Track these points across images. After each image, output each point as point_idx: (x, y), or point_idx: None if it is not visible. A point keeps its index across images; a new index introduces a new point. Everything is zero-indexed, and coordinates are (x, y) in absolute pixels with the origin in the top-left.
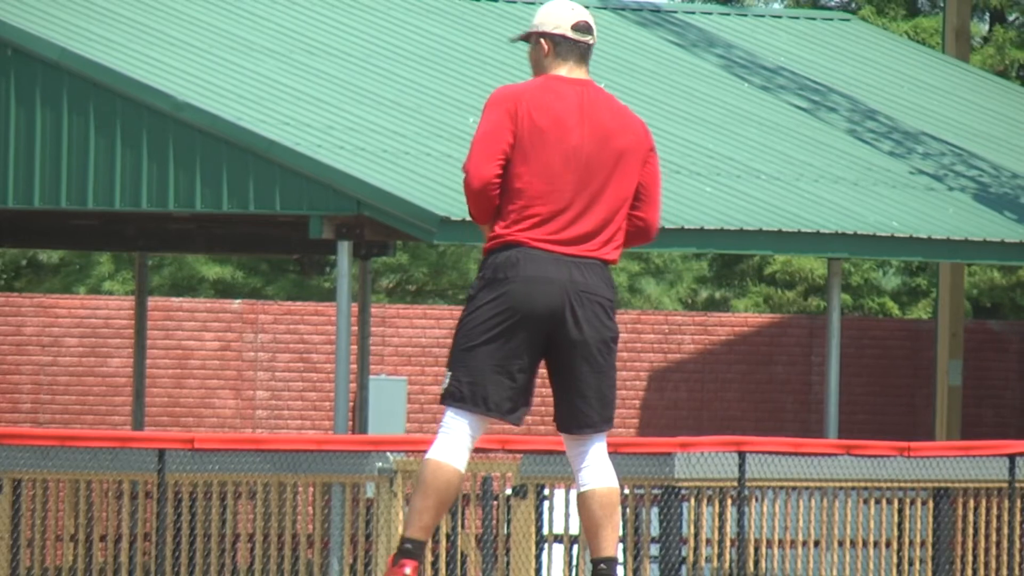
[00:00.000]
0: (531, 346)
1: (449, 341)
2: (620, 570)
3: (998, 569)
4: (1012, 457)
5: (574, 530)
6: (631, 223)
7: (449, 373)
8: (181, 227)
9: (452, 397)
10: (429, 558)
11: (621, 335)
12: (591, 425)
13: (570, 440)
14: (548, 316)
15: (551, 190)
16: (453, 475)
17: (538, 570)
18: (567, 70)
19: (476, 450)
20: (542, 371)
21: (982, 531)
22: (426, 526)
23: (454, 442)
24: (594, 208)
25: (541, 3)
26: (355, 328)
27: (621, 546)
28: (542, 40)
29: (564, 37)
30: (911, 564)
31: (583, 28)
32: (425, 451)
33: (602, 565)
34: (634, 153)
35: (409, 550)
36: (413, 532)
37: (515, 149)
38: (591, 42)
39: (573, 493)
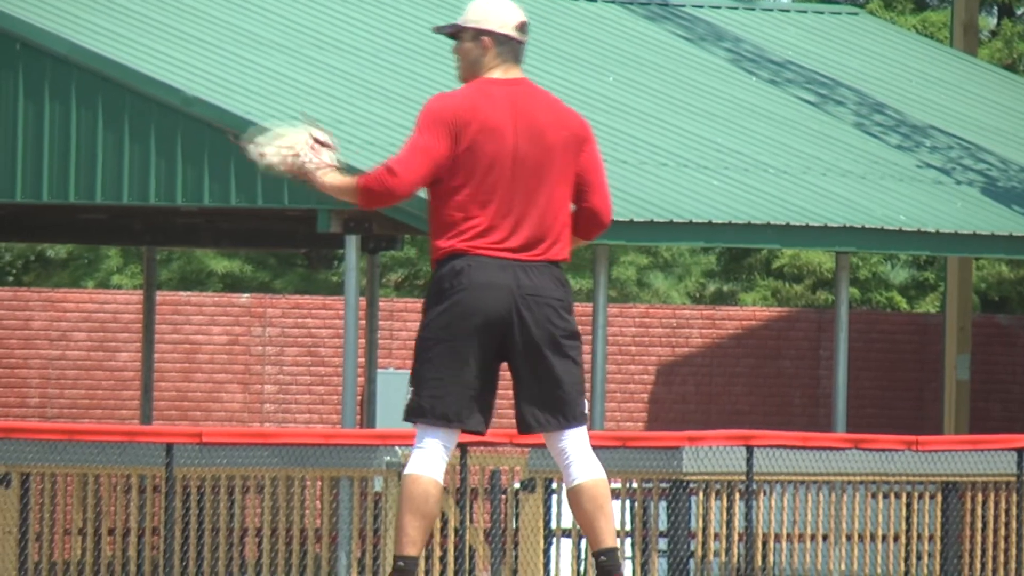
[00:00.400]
0: (485, 353)
1: None
2: (628, 565)
3: (1006, 563)
4: (1020, 451)
5: None
6: (582, 214)
7: (410, 388)
8: (189, 221)
9: (414, 412)
10: (437, 552)
11: (629, 329)
12: (548, 424)
13: (550, 439)
14: (498, 321)
15: (491, 198)
16: (431, 486)
17: (547, 564)
18: (503, 71)
19: (484, 444)
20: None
21: (991, 525)
22: (415, 541)
23: (427, 455)
24: (536, 209)
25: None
26: (363, 322)
27: (629, 540)
28: (484, 38)
29: (508, 37)
30: (919, 558)
31: (525, 28)
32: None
33: (603, 557)
34: (569, 146)
35: (402, 568)
36: (403, 549)
37: (453, 160)
38: (525, 42)
39: None
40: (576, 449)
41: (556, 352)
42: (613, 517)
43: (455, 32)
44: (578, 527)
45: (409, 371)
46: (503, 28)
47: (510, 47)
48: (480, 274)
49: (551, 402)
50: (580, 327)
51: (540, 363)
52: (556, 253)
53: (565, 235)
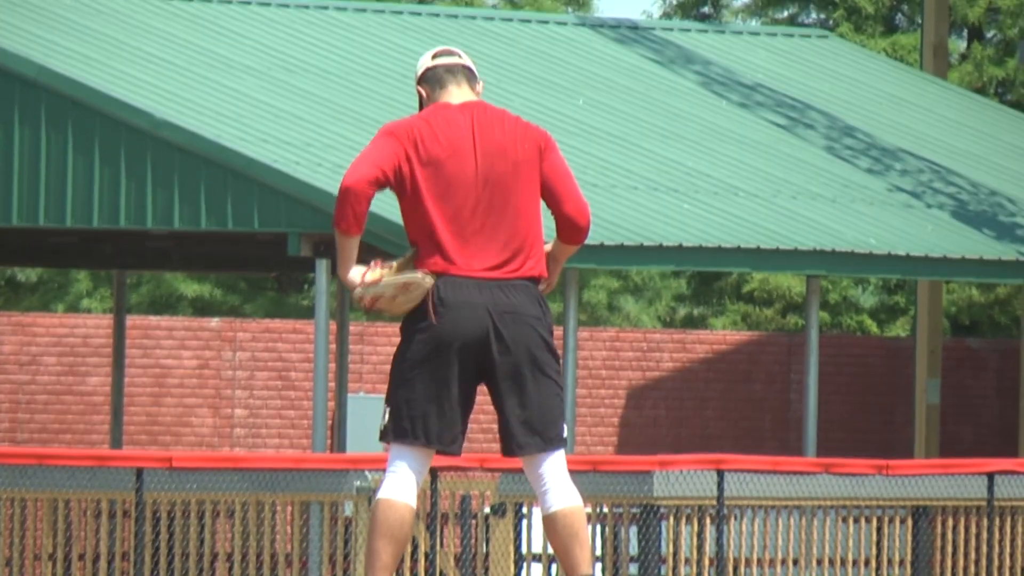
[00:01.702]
0: (463, 374)
1: None
2: None
3: None
4: (991, 475)
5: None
6: (559, 223)
7: (386, 409)
8: (159, 245)
9: (390, 434)
10: None
11: (600, 353)
12: (536, 446)
13: (529, 463)
14: (475, 342)
15: (457, 219)
16: (406, 511)
17: None
18: (449, 95)
19: (455, 468)
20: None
21: (961, 549)
22: (385, 565)
23: (401, 479)
24: (506, 227)
25: (521, 15)
26: (333, 346)
27: (600, 565)
28: (419, 88)
29: (428, 69)
30: None
31: (443, 53)
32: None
33: None
34: (532, 160)
35: None
36: (375, 573)
37: (414, 184)
38: (458, 62)
39: None
40: (553, 475)
41: (535, 372)
42: (589, 545)
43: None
44: (551, 552)
45: (385, 393)
46: (422, 67)
47: (437, 73)
48: (454, 295)
49: (530, 424)
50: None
51: (519, 384)
52: (530, 269)
53: (538, 250)
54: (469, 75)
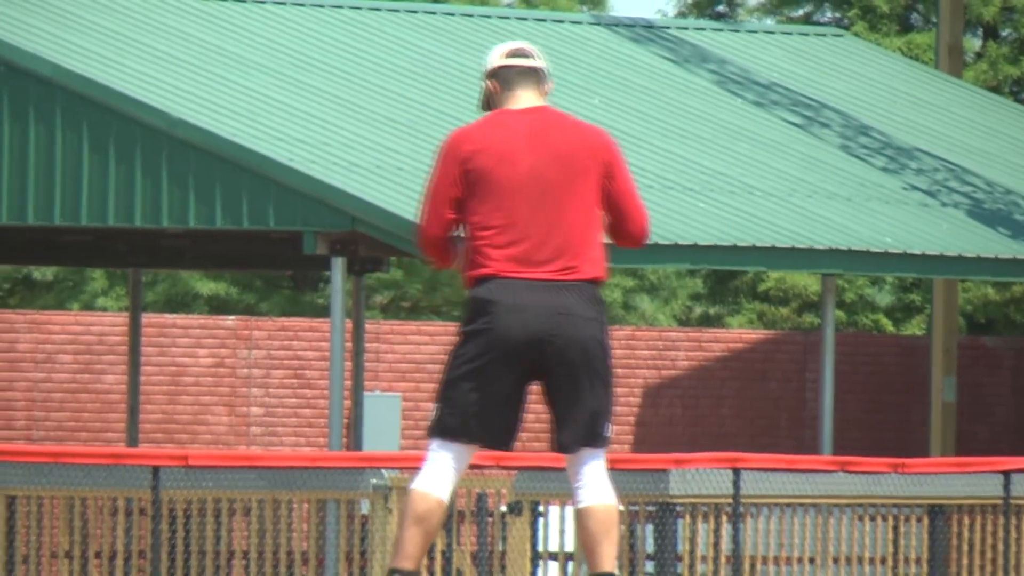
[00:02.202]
0: (515, 374)
1: (443, 357)
2: None
3: None
4: (1007, 474)
5: (569, 547)
6: (618, 235)
7: (437, 405)
8: (174, 243)
9: (438, 429)
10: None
11: (616, 351)
12: (580, 443)
13: (572, 457)
14: (528, 342)
15: (511, 222)
16: (436, 505)
17: None
18: (516, 99)
19: (471, 466)
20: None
21: (977, 548)
22: (412, 555)
23: (438, 472)
24: (562, 231)
25: (536, 15)
26: (349, 344)
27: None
28: (488, 82)
29: (501, 67)
30: None
31: (517, 53)
32: (419, 467)
33: None
34: (593, 169)
35: None
36: (400, 562)
37: (468, 191)
38: (531, 64)
39: (569, 510)
40: (592, 472)
41: (586, 372)
42: (616, 544)
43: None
44: (567, 551)
45: (437, 387)
46: (494, 63)
47: (506, 75)
48: (508, 297)
49: (577, 423)
50: None
51: (569, 383)
52: (587, 272)
53: (597, 253)
54: (540, 77)
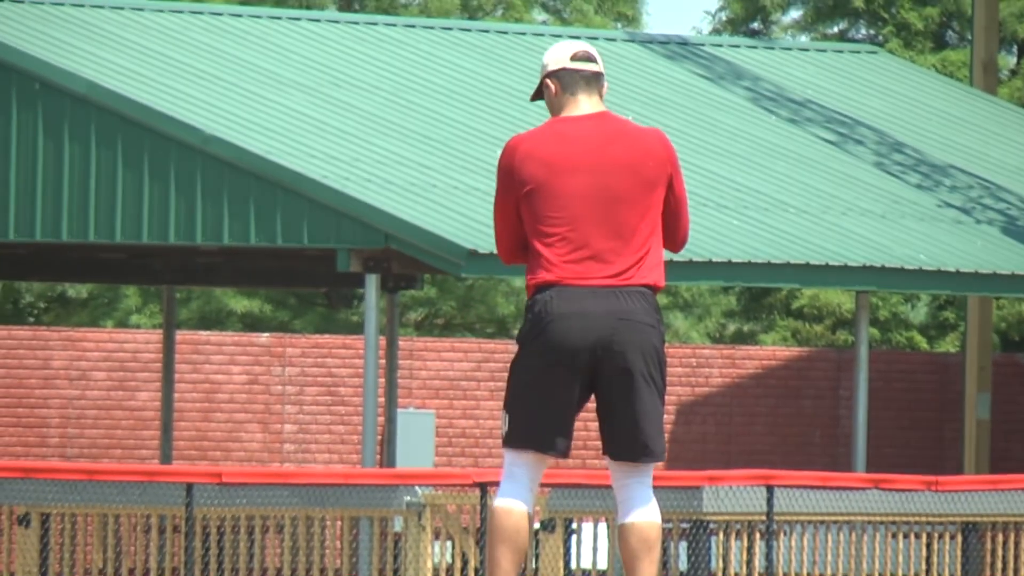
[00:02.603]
0: (577, 382)
1: (477, 374)
2: None
3: None
4: None
5: (602, 564)
6: (667, 238)
7: (505, 415)
8: (209, 260)
9: (510, 439)
10: None
11: None
12: (633, 455)
13: (617, 470)
14: (589, 349)
15: (573, 230)
16: (523, 520)
17: None
18: (576, 104)
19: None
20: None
21: (1011, 565)
22: (506, 572)
23: (517, 485)
24: (622, 237)
25: (570, 32)
26: (383, 361)
27: None
28: (548, 80)
29: (565, 69)
30: None
31: (582, 57)
32: (453, 485)
33: None
34: (660, 179)
35: None
36: None
37: (525, 200)
38: (595, 70)
39: (601, 527)
40: (639, 487)
41: (646, 382)
42: (658, 562)
43: (539, 91)
44: (600, 568)
45: (503, 400)
46: (559, 63)
47: (571, 78)
48: (568, 304)
49: (631, 434)
50: None
51: (628, 393)
52: (645, 278)
53: (657, 260)
54: (601, 82)
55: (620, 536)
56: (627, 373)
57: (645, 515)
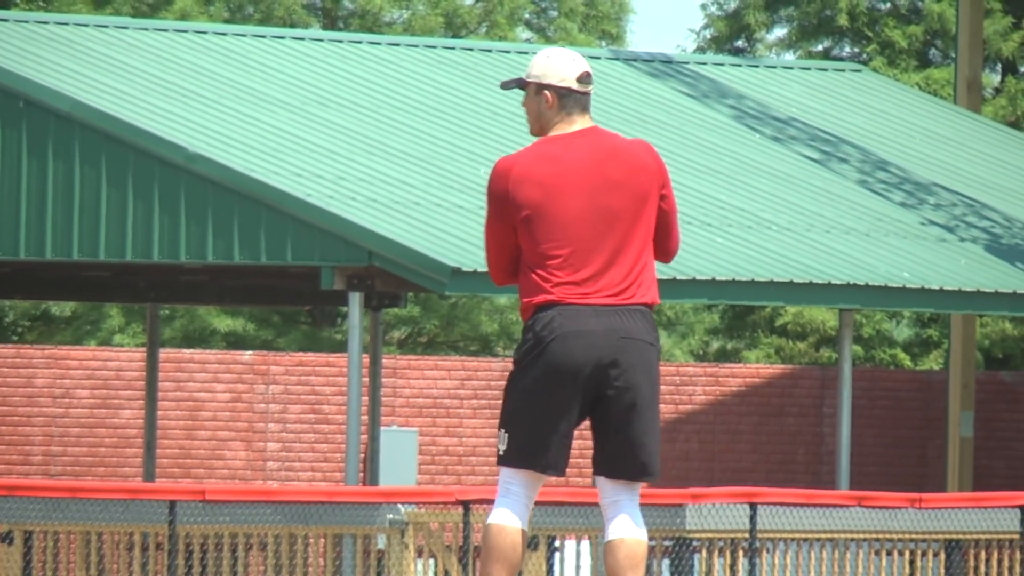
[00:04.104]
0: (578, 402)
1: (460, 392)
2: None
3: None
4: None
5: None
6: (659, 250)
7: (503, 434)
8: (192, 278)
9: (506, 458)
10: None
11: None
12: (627, 475)
13: (609, 487)
14: (591, 369)
15: (571, 251)
16: (516, 535)
17: None
18: (570, 123)
19: (487, 501)
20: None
21: None
22: None
23: (513, 503)
24: (621, 255)
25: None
26: (366, 380)
27: None
28: (546, 92)
29: (570, 90)
30: None
31: (587, 79)
32: (436, 503)
33: None
34: (652, 194)
35: None
36: None
37: (520, 223)
38: (591, 90)
39: (584, 545)
40: (627, 505)
41: (645, 401)
42: None
43: (521, 86)
44: None
45: (499, 418)
46: (564, 82)
47: (573, 99)
48: (571, 323)
49: (632, 452)
50: None
51: (628, 412)
52: (645, 296)
53: (652, 277)
54: (588, 105)
55: (607, 552)
56: (630, 392)
57: (633, 532)
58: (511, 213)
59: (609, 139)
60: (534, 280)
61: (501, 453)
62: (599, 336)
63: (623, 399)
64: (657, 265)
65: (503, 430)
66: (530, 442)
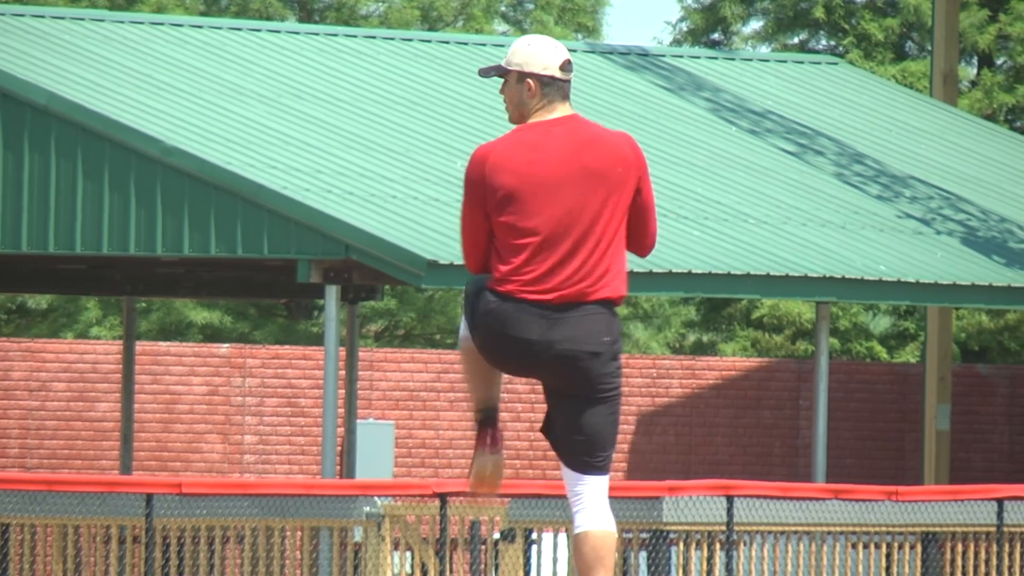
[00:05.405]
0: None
1: (436, 385)
2: None
3: None
4: (1000, 501)
5: (562, 574)
6: (634, 244)
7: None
8: (169, 271)
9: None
10: None
11: None
12: (580, 468)
13: (571, 479)
14: (535, 366)
15: (539, 240)
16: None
17: None
18: (551, 111)
19: (464, 494)
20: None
21: (970, 575)
22: (480, 394)
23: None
24: (590, 246)
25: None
26: (343, 372)
27: None
28: (529, 80)
29: (553, 79)
30: None
31: (568, 67)
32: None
33: None
34: (628, 183)
35: (483, 419)
36: (476, 405)
37: (496, 213)
38: (571, 78)
39: (562, 537)
40: (592, 497)
41: (592, 397)
42: (611, 571)
43: (500, 74)
44: None
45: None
46: (547, 70)
47: (555, 87)
48: (520, 321)
49: (579, 445)
50: None
51: (573, 407)
52: (609, 291)
53: (620, 271)
54: (568, 93)
55: (574, 545)
56: (572, 393)
57: (598, 524)
58: (486, 199)
59: (588, 128)
60: (498, 260)
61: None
62: (536, 346)
63: (562, 397)
64: (633, 258)
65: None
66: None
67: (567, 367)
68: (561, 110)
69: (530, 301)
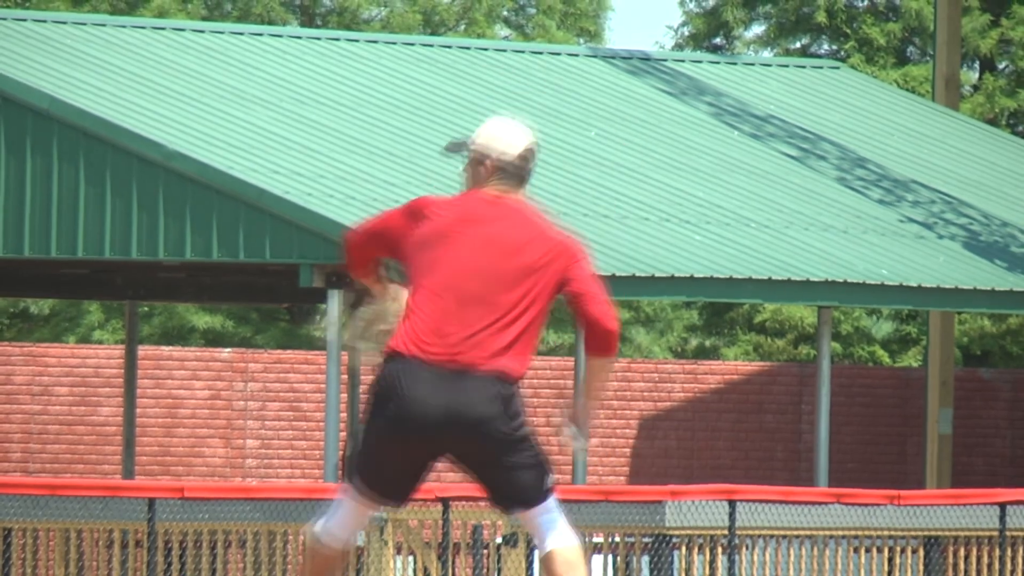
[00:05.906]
0: (423, 453)
1: None
2: None
3: None
4: (1003, 506)
5: None
6: (584, 328)
7: (353, 451)
8: (171, 276)
9: (353, 479)
10: None
11: (612, 383)
12: (520, 508)
13: (527, 519)
14: (432, 429)
15: (437, 305)
16: (341, 554)
17: None
18: (498, 192)
19: (466, 499)
20: None
21: None
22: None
23: (346, 519)
24: (487, 319)
25: (532, 47)
26: (345, 376)
27: None
28: (487, 162)
29: (510, 163)
30: None
31: (530, 155)
32: (415, 500)
33: None
34: (541, 267)
35: None
36: None
37: (410, 257)
38: (529, 168)
39: None
40: (547, 520)
41: (500, 456)
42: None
43: (465, 150)
44: None
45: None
46: (503, 156)
47: (511, 172)
48: (414, 384)
49: (510, 494)
50: (562, 380)
51: (486, 469)
52: (503, 366)
53: (520, 351)
54: (525, 180)
55: (545, 566)
56: (477, 458)
57: (560, 541)
58: (411, 226)
59: (523, 212)
60: (404, 319)
61: (348, 465)
62: (437, 410)
63: (469, 463)
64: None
65: (351, 442)
66: (370, 478)
67: (466, 430)
68: (512, 194)
69: (427, 363)
